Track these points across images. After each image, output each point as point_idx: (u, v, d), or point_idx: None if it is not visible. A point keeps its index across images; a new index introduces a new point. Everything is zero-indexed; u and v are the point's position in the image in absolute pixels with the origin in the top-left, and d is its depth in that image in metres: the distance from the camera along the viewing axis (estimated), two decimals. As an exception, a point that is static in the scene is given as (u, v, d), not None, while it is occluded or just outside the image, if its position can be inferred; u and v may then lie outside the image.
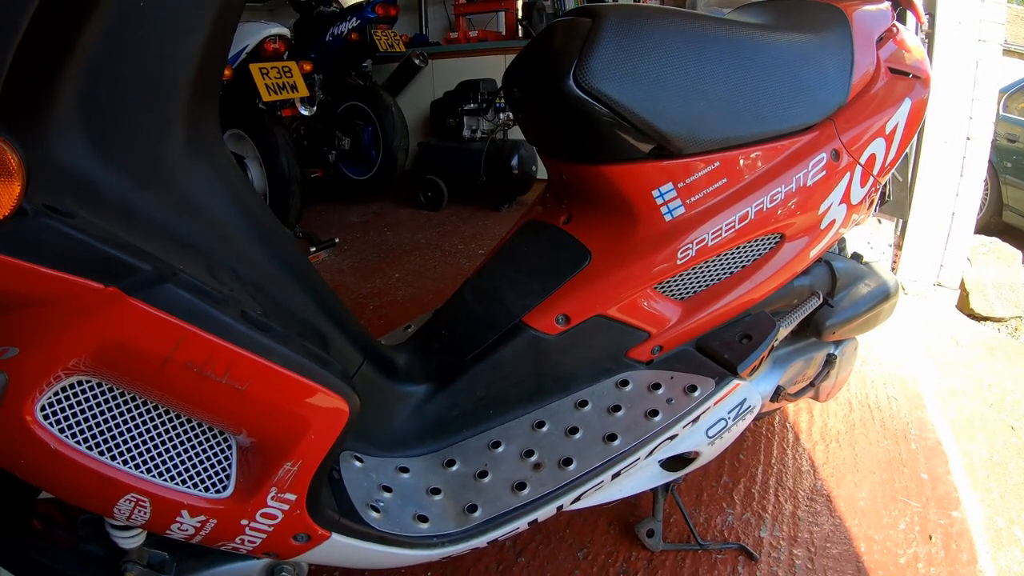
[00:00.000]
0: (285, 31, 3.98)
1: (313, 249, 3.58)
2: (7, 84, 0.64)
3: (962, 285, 3.19)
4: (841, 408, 2.15)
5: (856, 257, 1.74)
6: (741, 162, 1.27)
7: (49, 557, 1.01)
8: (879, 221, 3.27)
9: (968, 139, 3.00)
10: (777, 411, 2.07)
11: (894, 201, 3.08)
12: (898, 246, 3.21)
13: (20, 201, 0.64)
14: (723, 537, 1.58)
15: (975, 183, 3.05)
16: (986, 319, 3.21)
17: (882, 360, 2.49)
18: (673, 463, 1.35)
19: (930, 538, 1.57)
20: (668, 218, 1.25)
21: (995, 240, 3.56)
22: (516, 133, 4.89)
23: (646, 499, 1.64)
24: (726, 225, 1.26)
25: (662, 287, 1.29)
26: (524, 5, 6.22)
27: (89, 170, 0.81)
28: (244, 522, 0.88)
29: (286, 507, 0.89)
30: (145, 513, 0.83)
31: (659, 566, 1.50)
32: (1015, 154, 5.43)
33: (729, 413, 1.32)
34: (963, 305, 3.20)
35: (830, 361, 1.64)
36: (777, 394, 1.49)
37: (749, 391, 1.34)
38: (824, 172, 1.34)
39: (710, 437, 1.32)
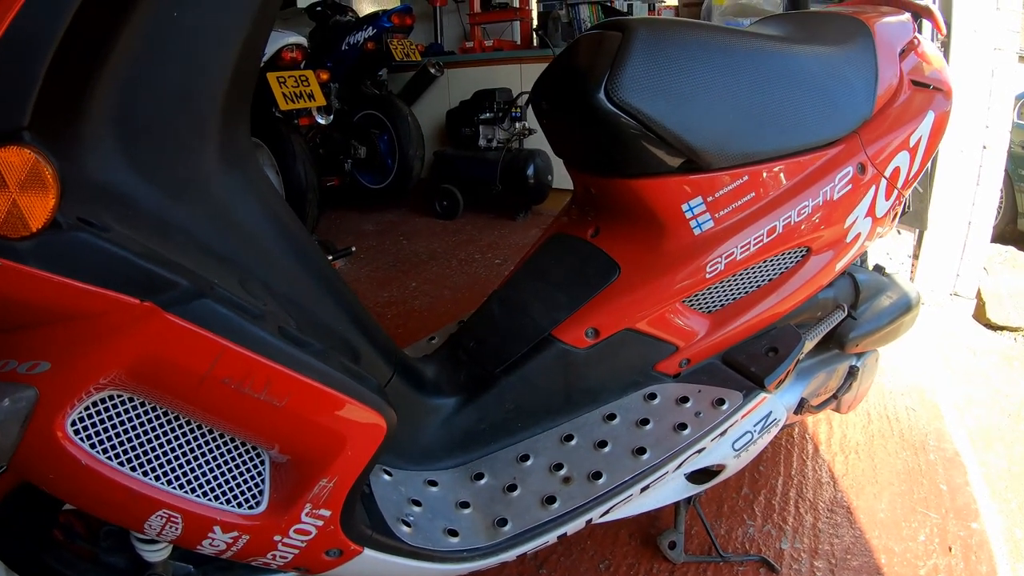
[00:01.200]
0: (302, 40, 3.98)
1: (330, 258, 3.57)
2: (41, 96, 0.64)
3: (979, 294, 3.16)
4: (860, 419, 2.14)
5: (878, 269, 1.74)
6: (769, 176, 1.27)
7: (70, 568, 1.02)
8: (899, 232, 3.25)
9: (984, 148, 2.97)
10: (797, 423, 2.07)
11: (913, 212, 3.07)
12: (915, 256, 3.19)
13: (54, 214, 0.65)
14: (744, 549, 1.58)
15: (991, 192, 3.02)
16: (1003, 329, 3.17)
17: (900, 370, 2.47)
18: (698, 476, 1.35)
19: (950, 550, 1.56)
20: (697, 232, 1.25)
21: (1011, 249, 3.53)
22: (532, 142, 4.89)
23: (667, 511, 1.63)
24: (754, 239, 1.27)
25: (690, 300, 1.29)
26: (539, 15, 6.21)
27: (124, 183, 0.81)
28: (277, 538, 0.88)
29: (320, 523, 0.89)
30: (177, 529, 0.83)
31: (681, 578, 1.49)
32: (1031, 162, 5.38)
33: (755, 426, 1.32)
34: (979, 315, 3.17)
35: (852, 373, 1.63)
36: (801, 406, 1.49)
37: (775, 404, 1.34)
38: (850, 186, 1.34)
39: (736, 450, 1.32)
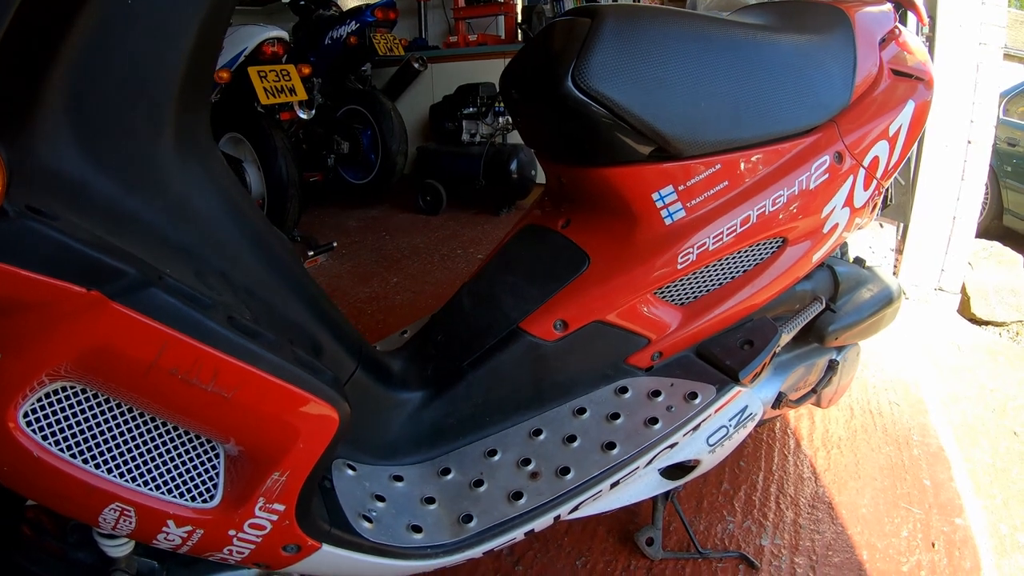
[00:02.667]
0: (284, 34, 3.96)
1: (311, 253, 3.57)
2: None
3: (963, 289, 3.18)
4: (842, 414, 2.13)
5: (858, 261, 1.73)
6: (742, 164, 1.26)
7: (38, 564, 0.99)
8: (881, 225, 3.26)
9: (969, 143, 2.99)
10: (778, 417, 2.06)
11: (896, 205, 3.07)
12: (899, 250, 3.20)
13: (1, 202, 0.63)
14: (723, 545, 1.56)
15: (976, 187, 3.04)
16: (987, 323, 3.19)
17: (883, 365, 2.48)
18: (673, 471, 1.33)
19: (933, 545, 1.56)
20: (668, 222, 1.23)
21: (996, 244, 3.55)
22: (515, 137, 4.90)
23: (645, 507, 1.63)
24: (727, 229, 1.25)
25: (662, 292, 1.28)
26: (524, 9, 6.23)
27: (76, 172, 0.79)
28: (232, 532, 0.87)
29: (275, 517, 0.87)
30: (131, 523, 0.81)
31: (659, 575, 1.48)
32: (1015, 158, 5.42)
33: (730, 421, 1.31)
34: (964, 309, 3.19)
35: (832, 367, 1.62)
36: (779, 401, 1.47)
37: (751, 398, 1.32)
38: (827, 175, 1.32)
39: (711, 445, 1.30)
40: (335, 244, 3.80)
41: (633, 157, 1.18)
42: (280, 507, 0.87)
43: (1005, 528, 1.62)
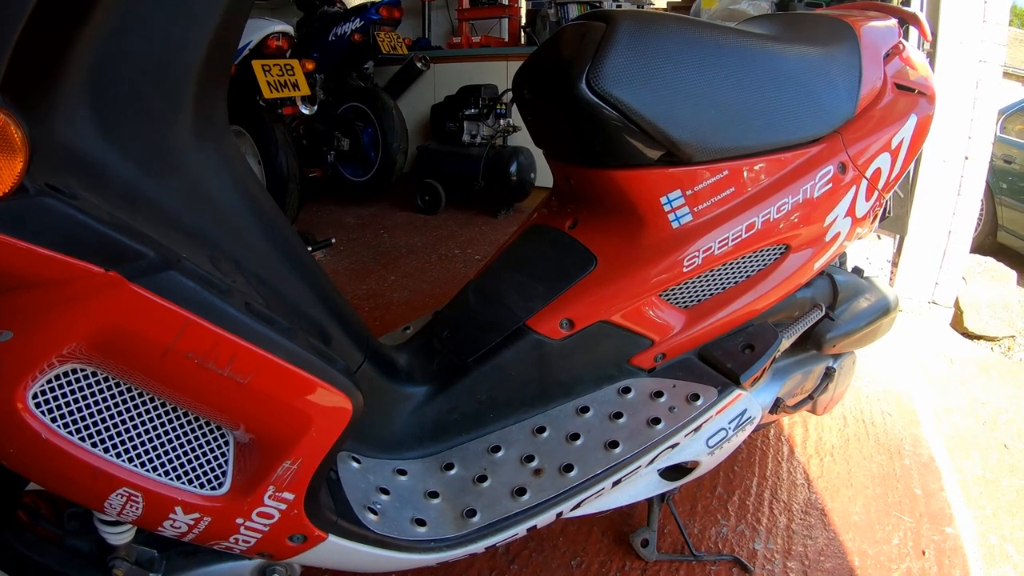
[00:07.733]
0: (289, 29, 3.96)
1: (309, 249, 3.56)
2: (14, 58, 0.61)
3: (957, 303, 3.19)
4: (836, 422, 2.14)
5: (857, 271, 1.74)
6: (749, 172, 1.27)
7: (34, 550, 0.99)
8: (878, 237, 3.28)
9: (966, 159, 3.00)
10: (772, 423, 2.07)
11: (894, 217, 3.09)
12: (895, 263, 3.21)
13: (21, 178, 0.62)
14: (717, 549, 1.57)
15: (972, 203, 3.05)
16: (979, 338, 3.21)
17: (876, 376, 2.49)
18: (672, 473, 1.34)
19: (923, 553, 1.57)
20: (675, 225, 1.24)
21: (990, 260, 3.57)
22: (516, 140, 4.90)
23: (640, 509, 1.63)
24: (733, 234, 1.26)
25: (667, 295, 1.29)
26: (528, 12, 6.23)
27: (94, 151, 0.79)
28: (239, 521, 0.87)
29: (283, 507, 0.88)
30: (137, 509, 0.81)
31: (652, 577, 1.49)
32: (1011, 175, 5.44)
33: (730, 423, 1.32)
34: (957, 323, 3.20)
35: (829, 374, 1.63)
36: (776, 406, 1.49)
37: (750, 402, 1.33)
38: (830, 185, 1.34)
39: (710, 447, 1.31)
40: (333, 240, 3.80)
41: (643, 160, 1.19)
42: (290, 496, 0.87)
43: (994, 538, 1.64)
